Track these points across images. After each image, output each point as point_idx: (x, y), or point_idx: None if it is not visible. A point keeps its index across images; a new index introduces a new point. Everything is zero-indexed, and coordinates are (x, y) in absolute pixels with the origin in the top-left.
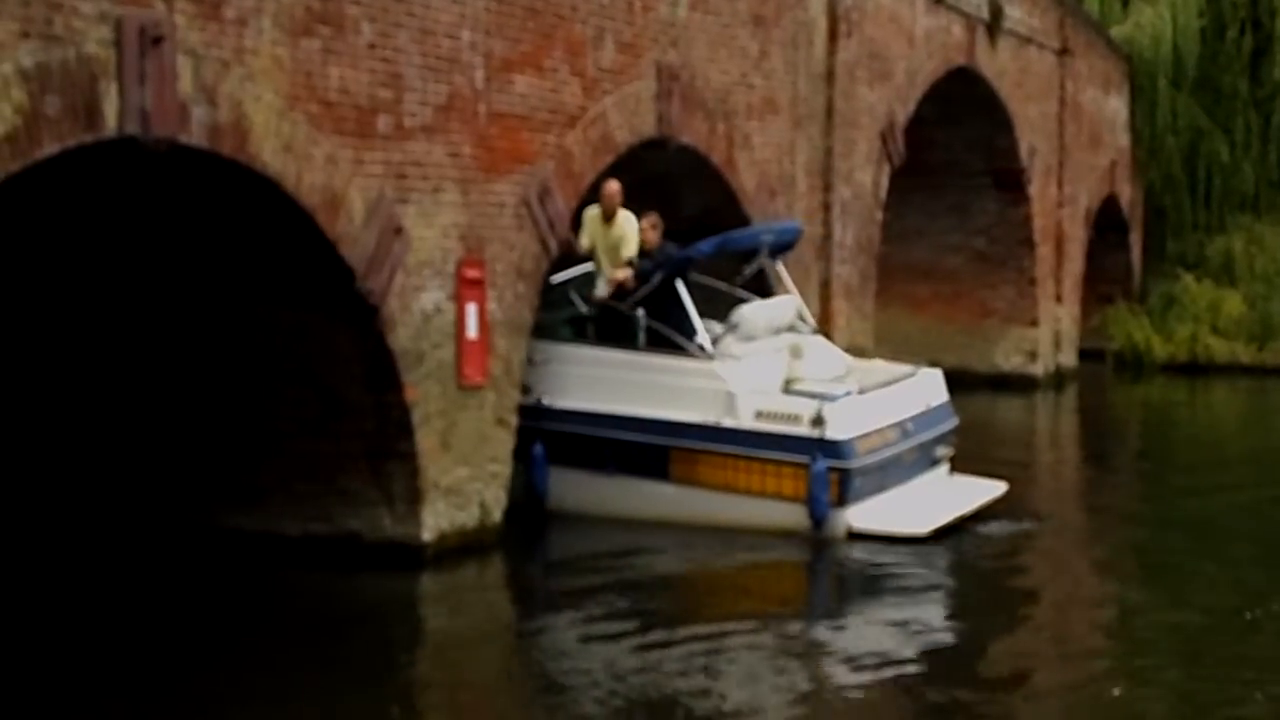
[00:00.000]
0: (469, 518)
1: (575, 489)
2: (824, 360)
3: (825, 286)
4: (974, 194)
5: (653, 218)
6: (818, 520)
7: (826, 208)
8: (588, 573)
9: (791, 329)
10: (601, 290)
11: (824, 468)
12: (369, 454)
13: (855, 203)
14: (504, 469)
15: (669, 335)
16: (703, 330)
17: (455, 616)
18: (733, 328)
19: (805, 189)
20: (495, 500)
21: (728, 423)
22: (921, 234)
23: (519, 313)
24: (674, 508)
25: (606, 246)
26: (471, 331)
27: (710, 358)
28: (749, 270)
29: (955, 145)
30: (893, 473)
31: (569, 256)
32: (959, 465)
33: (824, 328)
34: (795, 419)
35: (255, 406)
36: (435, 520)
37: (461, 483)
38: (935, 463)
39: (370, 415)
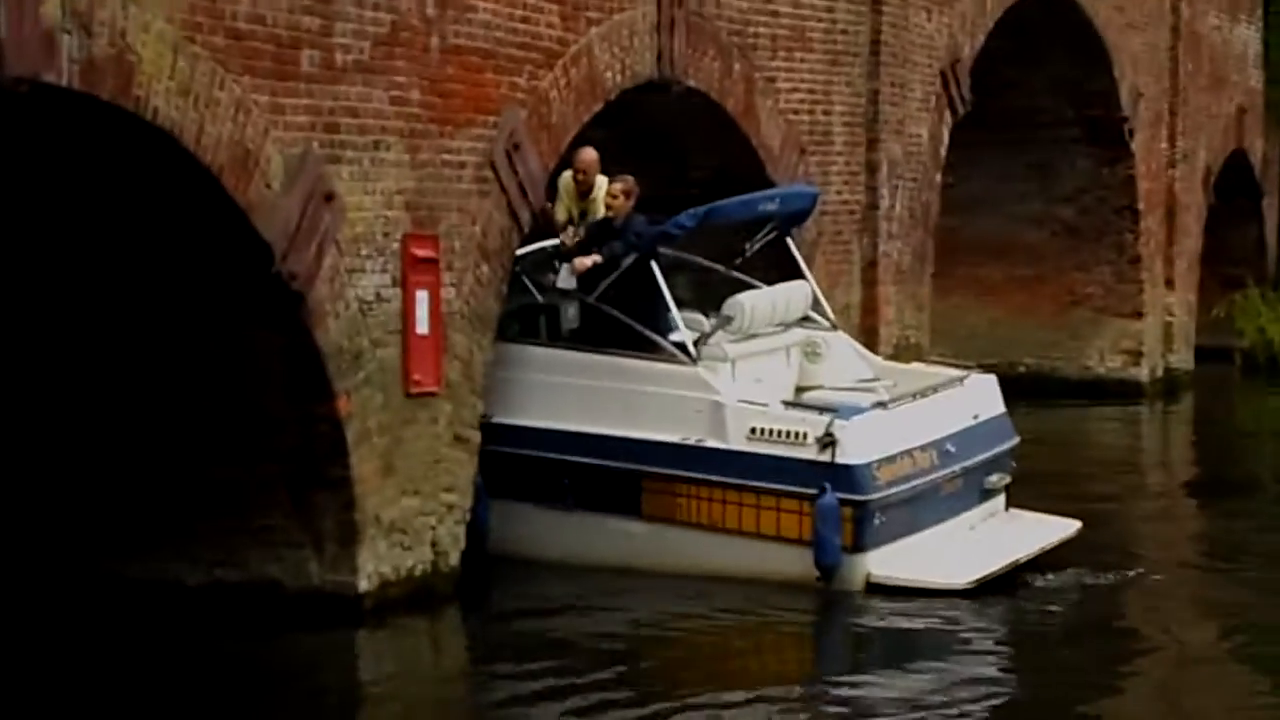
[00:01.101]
0: (417, 561)
1: (524, 527)
2: (844, 363)
3: (870, 269)
4: (1060, 150)
5: (624, 181)
6: (827, 568)
7: (871, 168)
8: (558, 631)
9: (803, 323)
10: (566, 280)
11: (835, 501)
12: (291, 482)
13: (908, 162)
14: (462, 499)
15: (640, 332)
16: (682, 325)
17: (397, 684)
18: (723, 322)
19: (844, 145)
20: (451, 539)
21: (713, 443)
22: (993, 202)
23: (482, 301)
24: (647, 552)
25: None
26: (421, 326)
27: (692, 360)
28: (750, 248)
29: (1036, 88)
30: (926, 507)
31: (546, 231)
32: (1022, 497)
33: (867, 321)
34: (799, 438)
35: (144, 422)
36: (374, 565)
37: (408, 517)
38: (986, 494)
39: (292, 432)
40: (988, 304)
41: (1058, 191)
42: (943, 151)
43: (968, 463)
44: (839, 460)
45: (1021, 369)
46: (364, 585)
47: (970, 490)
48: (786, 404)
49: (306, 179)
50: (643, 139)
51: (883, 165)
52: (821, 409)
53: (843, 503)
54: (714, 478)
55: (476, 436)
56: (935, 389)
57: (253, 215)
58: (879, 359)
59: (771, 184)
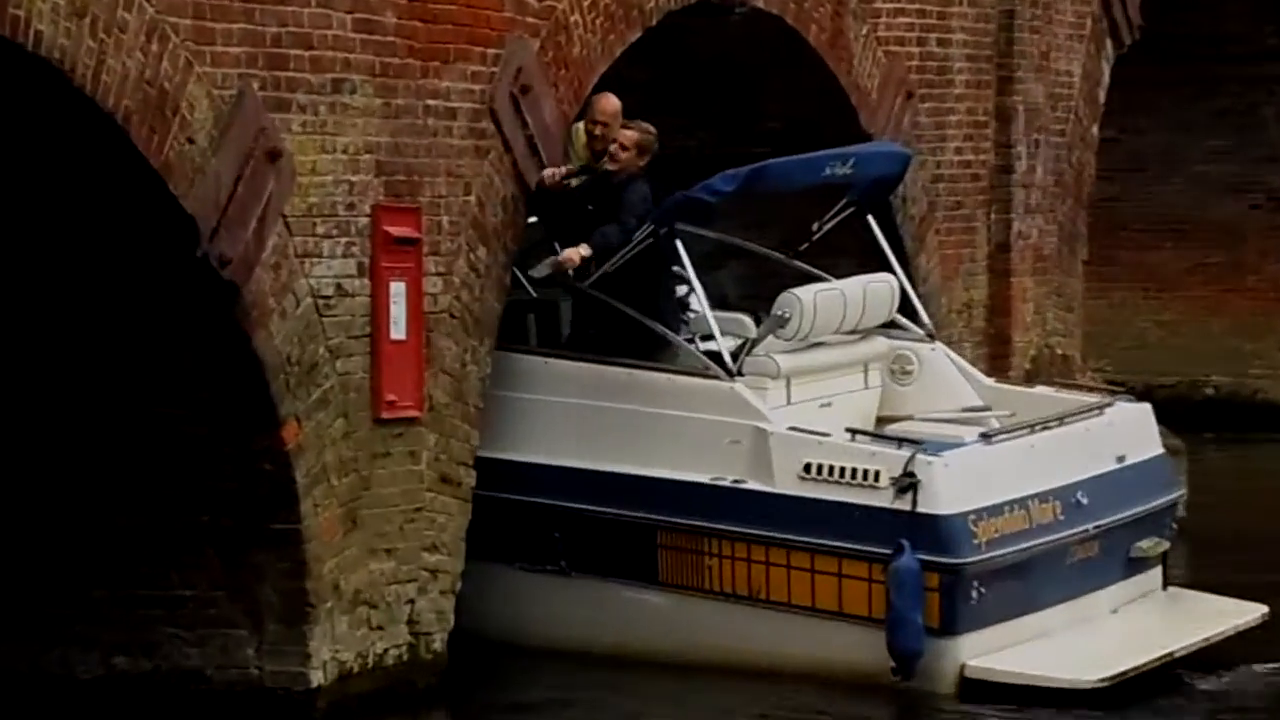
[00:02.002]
0: (390, 645)
1: (504, 599)
2: (943, 384)
3: (1000, 255)
4: (1263, 92)
5: (638, 129)
6: (905, 657)
7: (1004, 118)
8: None
9: (889, 330)
10: (542, 270)
11: (916, 565)
12: (220, 537)
13: (1054, 109)
14: (451, 562)
15: (660, 335)
16: (717, 329)
17: None
18: (774, 325)
19: (966, 86)
20: (435, 615)
21: (754, 485)
22: (1172, 163)
23: (479, 297)
24: (664, 632)
25: None
26: (397, 329)
27: (729, 374)
28: (820, 228)
29: (1229, 7)
30: (1046, 578)
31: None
32: (1188, 571)
33: (997, 326)
34: (870, 479)
35: (23, 455)
36: (332, 650)
37: (378, 586)
38: (1133, 565)
39: (223, 471)
40: (1163, 303)
41: (1259, 148)
42: (1101, 95)
43: (1107, 520)
44: (922, 509)
45: (1209, 391)
46: (318, 678)
47: (1111, 558)
48: (854, 433)
49: (243, 131)
50: (695, 79)
51: (1019, 114)
52: (902, 441)
53: (927, 568)
54: (754, 531)
55: (470, 477)
56: (1063, 420)
57: (170, 179)
58: (989, 380)
59: (866, 138)
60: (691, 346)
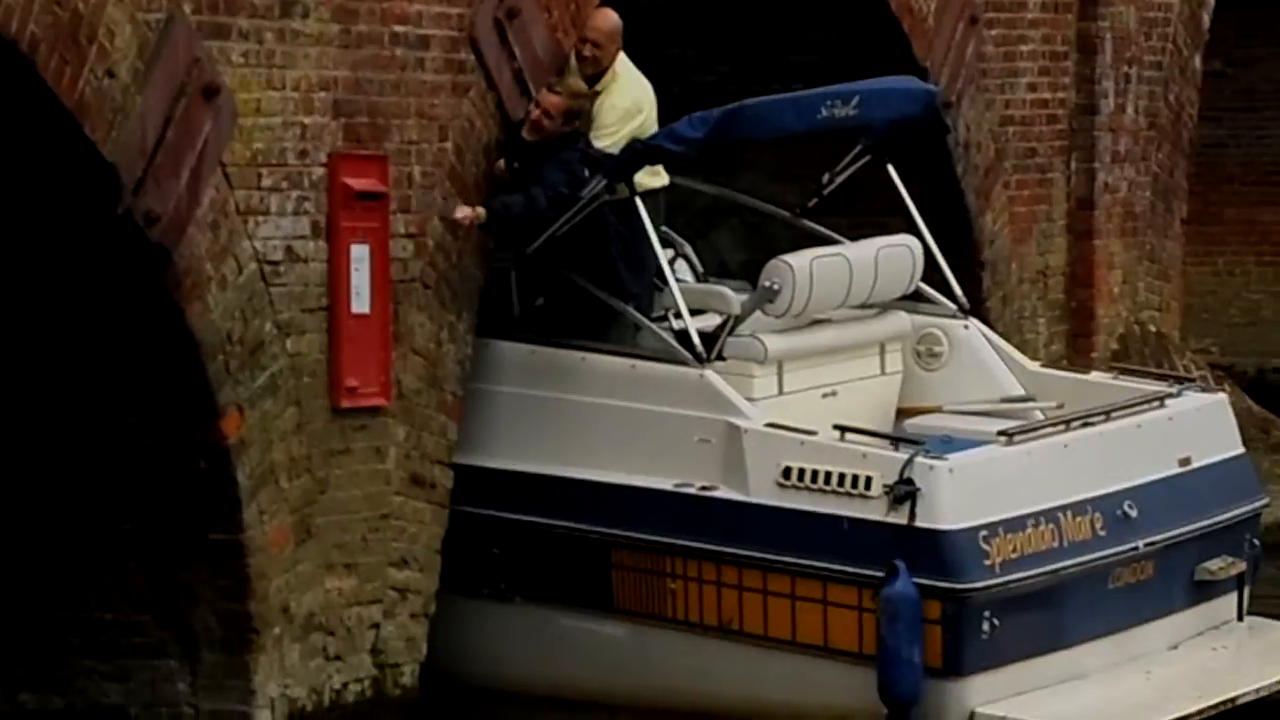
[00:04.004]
0: (351, 678)
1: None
2: (978, 370)
3: (1082, 212)
4: None
5: (566, 91)
6: (899, 702)
7: (1087, 47)
8: None
9: (912, 303)
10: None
11: (913, 590)
12: (146, 551)
13: (1148, 37)
14: (424, 579)
15: (618, 310)
16: (683, 302)
17: None
18: (762, 299)
19: (1043, 9)
20: (404, 643)
21: (725, 492)
22: None
23: (459, 262)
24: (621, 669)
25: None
26: (360, 300)
27: (698, 358)
28: (830, 181)
29: None
30: (1083, 606)
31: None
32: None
33: (1078, 297)
34: (859, 486)
35: None
36: (281, 684)
37: (336, 608)
38: (1200, 590)
39: (151, 472)
40: None
41: None
42: (1205, 18)
43: (1163, 536)
44: (921, 523)
45: None
46: (264, 718)
47: (1169, 582)
48: (842, 430)
49: (173, 63)
50: (714, 1)
51: (1105, 42)
52: (900, 440)
53: (926, 594)
54: (725, 549)
55: (447, 479)
56: (1109, 414)
57: (86, 121)
58: (1034, 364)
59: (920, 70)
60: (658, 326)
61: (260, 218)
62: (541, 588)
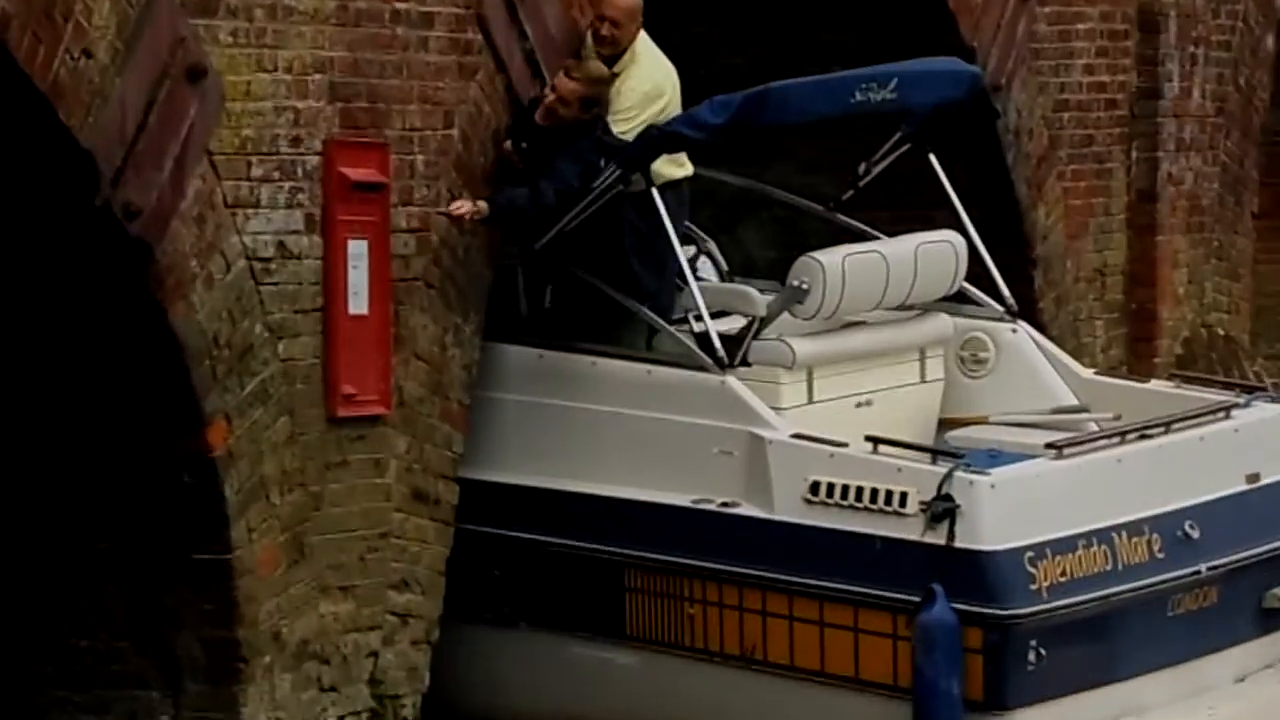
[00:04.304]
0: (347, 710)
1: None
2: (1028, 377)
3: (1144, 205)
4: None
5: (583, 75)
6: None
7: (1150, 25)
8: None
9: (956, 304)
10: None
11: (952, 618)
12: (125, 573)
13: (1216, 15)
14: (426, 603)
15: (632, 313)
16: (703, 303)
17: None
18: (790, 299)
19: None
20: (404, 673)
21: (749, 509)
22: None
23: (466, 259)
24: (636, 702)
25: None
26: (358, 300)
27: (719, 364)
28: (868, 171)
29: None
30: (1140, 635)
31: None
32: None
33: (1138, 297)
34: (893, 503)
35: None
36: (271, 717)
37: (331, 635)
38: (1270, 615)
39: (131, 486)
40: None
41: None
42: None
43: (1228, 558)
44: (961, 544)
45: None
46: None
47: (1236, 609)
48: (875, 442)
49: (155, 42)
50: None
51: (1169, 20)
52: (940, 453)
53: (966, 621)
54: (747, 571)
55: (452, 494)
56: (1169, 426)
57: (60, 105)
58: (1088, 372)
59: (967, 51)
60: (676, 329)
61: (250, 211)
62: (548, 612)
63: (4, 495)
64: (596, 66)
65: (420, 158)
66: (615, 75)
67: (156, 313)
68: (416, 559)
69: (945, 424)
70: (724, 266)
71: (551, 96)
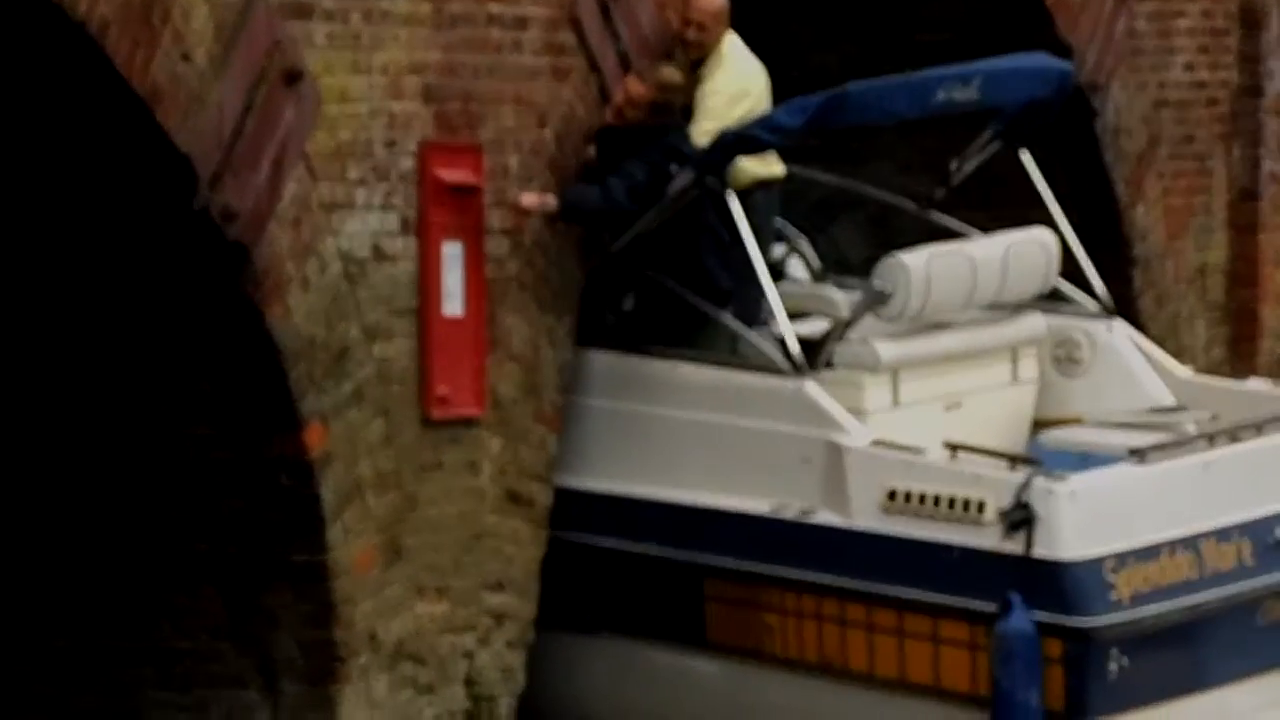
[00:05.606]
0: (443, 710)
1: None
2: (1124, 377)
3: (1245, 204)
4: None
5: (658, 81)
6: None
7: (1252, 21)
8: None
9: (1049, 304)
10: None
11: (1030, 627)
12: (224, 574)
13: None
14: (521, 604)
15: (712, 317)
16: (779, 306)
17: None
18: (873, 303)
19: None
20: (500, 674)
21: (827, 517)
22: None
23: (560, 260)
24: (716, 711)
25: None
26: (452, 302)
27: (795, 367)
28: (959, 169)
29: None
30: (1227, 644)
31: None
32: None
33: (1239, 298)
34: (972, 512)
35: None
36: (367, 717)
37: (427, 635)
38: None
39: (228, 488)
40: None
41: None
42: None
43: None
44: (1039, 553)
45: None
46: None
47: None
48: (953, 448)
49: (252, 47)
50: None
51: (1272, 17)
52: (1019, 459)
53: (1045, 631)
54: (826, 580)
55: (545, 496)
56: (1261, 428)
57: (159, 109)
58: (1185, 371)
59: (1064, 49)
60: (755, 333)
61: (345, 213)
62: (628, 620)
63: (102, 499)
64: (669, 72)
65: (514, 160)
66: (689, 83)
67: (253, 315)
68: (511, 560)
69: (1039, 425)
70: (816, 266)
71: (621, 97)
